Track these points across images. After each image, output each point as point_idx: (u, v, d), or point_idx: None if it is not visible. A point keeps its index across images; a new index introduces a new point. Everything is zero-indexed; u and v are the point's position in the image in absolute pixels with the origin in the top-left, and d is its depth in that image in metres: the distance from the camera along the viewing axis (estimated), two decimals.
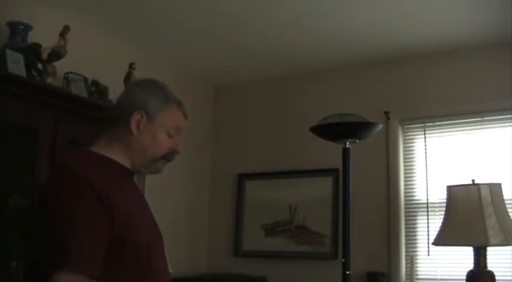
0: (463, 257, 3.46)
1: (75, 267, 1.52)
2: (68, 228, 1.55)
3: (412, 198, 3.90)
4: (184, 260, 4.10)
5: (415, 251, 3.79)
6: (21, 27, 2.90)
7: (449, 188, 3.29)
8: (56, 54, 2.93)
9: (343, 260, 2.80)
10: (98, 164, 1.73)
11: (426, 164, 3.85)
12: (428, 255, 3.71)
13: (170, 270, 1.94)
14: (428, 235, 3.70)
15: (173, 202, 4.11)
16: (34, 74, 2.80)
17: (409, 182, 3.92)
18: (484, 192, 3.13)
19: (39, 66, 2.85)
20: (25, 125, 2.68)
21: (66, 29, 2.98)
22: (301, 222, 4.14)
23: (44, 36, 2.95)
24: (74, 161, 1.76)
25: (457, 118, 3.80)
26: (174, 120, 1.81)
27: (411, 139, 3.97)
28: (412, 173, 3.92)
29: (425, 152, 3.87)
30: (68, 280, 1.52)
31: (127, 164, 1.79)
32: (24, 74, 2.71)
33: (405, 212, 3.87)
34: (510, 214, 3.19)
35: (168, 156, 1.82)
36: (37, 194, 2.12)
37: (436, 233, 3.31)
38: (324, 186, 4.11)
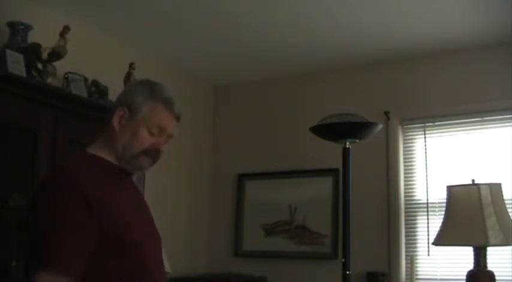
0: (463, 257, 3.46)
1: (56, 268, 1.51)
2: (52, 228, 1.54)
3: (412, 198, 3.89)
4: (184, 260, 4.10)
5: (415, 251, 3.79)
6: (21, 27, 2.89)
7: (449, 188, 3.29)
8: (56, 54, 2.93)
9: (343, 260, 2.80)
10: (95, 165, 1.73)
11: (426, 164, 3.85)
12: (428, 255, 3.71)
13: (168, 270, 1.95)
14: (428, 235, 3.70)
15: (173, 202, 4.11)
16: (34, 74, 2.80)
17: (409, 182, 3.92)
18: (484, 192, 3.13)
19: (39, 66, 2.85)
20: (25, 125, 2.68)
21: (66, 29, 2.98)
22: (301, 222, 4.14)
23: (44, 36, 2.95)
24: (68, 162, 1.77)
25: (457, 118, 3.80)
26: (157, 118, 1.76)
27: (411, 139, 3.97)
28: (412, 173, 3.92)
29: (425, 152, 3.87)
30: (48, 281, 1.51)
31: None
32: (24, 74, 2.71)
33: (405, 212, 3.87)
34: (510, 214, 3.19)
35: (151, 154, 1.77)
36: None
37: (436, 233, 3.30)
38: (324, 186, 4.11)
